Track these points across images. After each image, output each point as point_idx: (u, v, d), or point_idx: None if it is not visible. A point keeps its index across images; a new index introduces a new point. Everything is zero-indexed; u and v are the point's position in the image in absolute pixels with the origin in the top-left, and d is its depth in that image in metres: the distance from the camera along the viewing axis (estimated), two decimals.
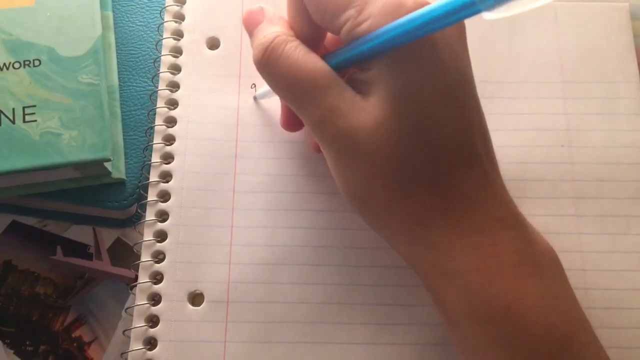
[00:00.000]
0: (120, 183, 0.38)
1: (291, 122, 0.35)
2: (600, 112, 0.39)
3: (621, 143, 0.38)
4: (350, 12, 0.27)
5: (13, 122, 0.35)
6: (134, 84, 0.41)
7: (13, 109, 0.36)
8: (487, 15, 0.21)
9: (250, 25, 0.30)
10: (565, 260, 0.34)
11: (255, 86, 0.39)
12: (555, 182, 0.37)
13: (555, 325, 0.26)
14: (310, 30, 0.30)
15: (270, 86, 0.30)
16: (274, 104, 0.38)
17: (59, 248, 0.39)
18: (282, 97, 0.30)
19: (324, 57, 0.28)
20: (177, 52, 0.39)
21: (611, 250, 0.36)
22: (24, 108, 0.36)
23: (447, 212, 0.27)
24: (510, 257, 0.27)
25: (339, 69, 0.28)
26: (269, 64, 0.29)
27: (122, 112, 0.40)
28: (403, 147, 0.26)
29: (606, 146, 0.38)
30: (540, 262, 0.28)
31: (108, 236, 0.39)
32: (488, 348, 0.26)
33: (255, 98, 0.39)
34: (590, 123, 0.38)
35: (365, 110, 0.27)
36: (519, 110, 0.38)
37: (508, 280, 0.26)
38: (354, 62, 0.28)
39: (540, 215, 0.36)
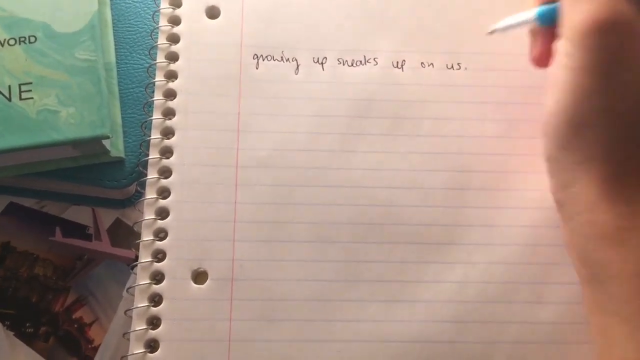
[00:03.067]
0: (119, 162, 0.37)
1: (547, 54, 0.31)
2: None
3: None
4: None
5: (9, 99, 0.35)
6: (131, 61, 0.40)
7: (9, 86, 0.35)
8: None
9: None
10: None
11: (493, 32, 0.35)
12: None
13: None
14: None
15: None
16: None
17: (57, 229, 0.38)
18: None
19: None
20: (175, 22, 0.38)
21: None
22: (20, 85, 0.35)
23: None
24: None
25: None
26: None
27: (119, 90, 0.39)
28: None
29: None
30: None
31: (107, 217, 0.39)
32: None
33: (493, 31, 0.34)
34: None
35: None
36: None
37: None
38: None
39: None
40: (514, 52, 0.37)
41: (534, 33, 0.32)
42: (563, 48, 0.27)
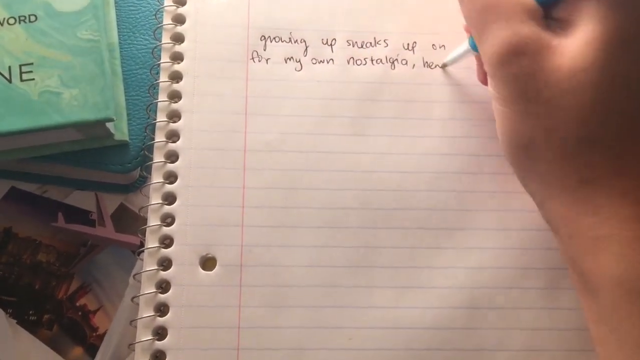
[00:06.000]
0: (123, 145, 0.36)
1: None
2: None
3: None
4: None
5: (10, 81, 0.33)
6: (135, 42, 0.39)
7: (9, 67, 0.34)
8: None
9: None
10: None
11: (445, 66, 0.37)
12: None
13: None
14: None
15: (464, 4, 0.28)
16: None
17: (60, 215, 0.38)
18: (473, 18, 0.28)
19: None
20: (180, 2, 0.37)
21: None
22: (20, 66, 0.34)
23: (620, 177, 0.25)
24: None
25: (545, 3, 0.26)
26: None
27: (122, 72, 0.38)
28: (595, 102, 0.25)
29: None
30: None
31: (111, 202, 0.38)
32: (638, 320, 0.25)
33: (444, 65, 0.37)
34: None
35: (561, 54, 0.25)
36: None
37: None
38: None
39: None
40: None
41: (477, 57, 0.34)
42: (490, 83, 0.28)
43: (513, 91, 0.26)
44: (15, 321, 0.35)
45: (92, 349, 0.35)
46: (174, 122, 0.35)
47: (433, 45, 0.37)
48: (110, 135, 0.36)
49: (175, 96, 0.36)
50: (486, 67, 0.28)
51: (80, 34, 0.35)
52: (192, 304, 0.32)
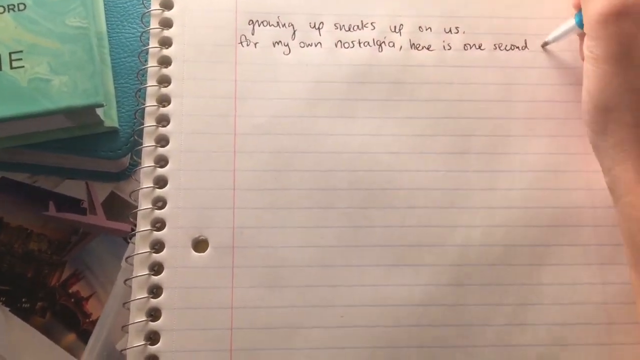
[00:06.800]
0: (113, 132, 0.37)
1: None
2: None
3: None
4: None
5: (0, 68, 0.33)
6: (123, 31, 0.39)
7: None
8: None
9: None
10: None
11: (546, 44, 0.37)
12: None
13: None
14: None
15: None
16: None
17: (51, 203, 0.38)
18: None
19: None
20: None
21: None
22: (10, 54, 0.34)
23: None
24: None
25: None
26: None
27: (111, 60, 0.38)
28: None
29: None
30: None
31: (101, 190, 0.38)
32: None
33: (545, 44, 0.37)
34: None
35: None
36: None
37: None
38: None
39: None
40: (513, 16, 0.38)
41: (580, 36, 0.34)
42: (586, 42, 0.29)
43: (607, 50, 0.27)
44: (8, 309, 0.35)
45: (85, 335, 0.35)
46: (164, 106, 0.35)
47: (420, 27, 0.38)
48: (100, 122, 0.36)
49: (164, 81, 0.36)
50: (586, 28, 0.28)
51: (68, 22, 0.35)
52: (185, 285, 0.33)
